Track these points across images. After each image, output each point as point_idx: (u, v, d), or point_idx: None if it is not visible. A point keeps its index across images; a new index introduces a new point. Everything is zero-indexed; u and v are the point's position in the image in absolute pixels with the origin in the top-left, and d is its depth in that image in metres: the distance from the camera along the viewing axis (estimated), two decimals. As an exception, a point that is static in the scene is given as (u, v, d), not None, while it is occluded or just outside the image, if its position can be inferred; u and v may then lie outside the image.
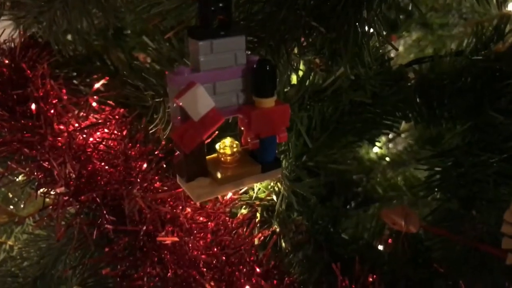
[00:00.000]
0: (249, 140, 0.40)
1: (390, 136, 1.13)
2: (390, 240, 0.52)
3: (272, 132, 0.40)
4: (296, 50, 0.53)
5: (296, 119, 0.59)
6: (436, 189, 0.52)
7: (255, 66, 0.38)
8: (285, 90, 0.62)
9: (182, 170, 0.39)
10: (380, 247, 0.63)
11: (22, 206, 0.86)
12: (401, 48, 1.30)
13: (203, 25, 0.36)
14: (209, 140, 0.46)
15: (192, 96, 0.35)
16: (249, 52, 0.52)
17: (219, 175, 0.39)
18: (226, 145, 0.40)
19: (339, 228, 0.63)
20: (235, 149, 0.40)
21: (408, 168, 1.18)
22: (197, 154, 0.38)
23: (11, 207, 0.87)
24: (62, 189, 0.49)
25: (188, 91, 0.35)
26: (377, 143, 1.15)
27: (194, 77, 0.36)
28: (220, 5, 0.36)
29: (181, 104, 0.35)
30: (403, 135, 1.20)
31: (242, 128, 0.41)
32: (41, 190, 0.53)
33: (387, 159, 1.20)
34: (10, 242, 0.87)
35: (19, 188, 0.70)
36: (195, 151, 0.37)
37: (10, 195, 0.86)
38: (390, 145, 1.23)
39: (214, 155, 0.41)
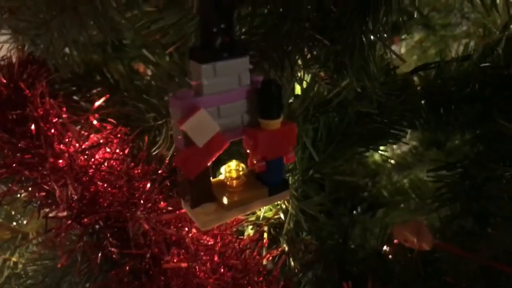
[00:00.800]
0: (255, 163, 0.38)
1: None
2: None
3: (279, 154, 0.39)
4: (300, 63, 0.52)
5: (301, 131, 0.58)
6: (447, 203, 0.50)
7: (259, 86, 0.37)
8: (290, 101, 0.61)
9: (186, 196, 0.38)
10: (389, 252, 0.62)
11: (25, 222, 0.85)
12: (403, 50, 1.28)
13: (205, 47, 0.35)
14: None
15: (196, 121, 0.34)
16: (251, 67, 0.51)
17: (225, 201, 0.37)
18: (232, 168, 0.39)
19: (350, 243, 0.61)
20: (241, 173, 0.39)
21: (414, 171, 1.17)
22: (202, 180, 0.37)
23: (14, 223, 0.86)
24: (64, 213, 0.48)
25: (192, 117, 0.33)
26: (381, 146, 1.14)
27: (197, 102, 0.35)
28: (222, 26, 0.34)
29: (184, 130, 0.34)
30: (407, 136, 1.19)
31: (248, 151, 0.39)
32: (43, 211, 0.52)
33: (392, 161, 1.18)
34: (14, 259, 0.86)
35: (21, 205, 0.69)
36: (200, 176, 0.36)
37: (13, 212, 0.85)
38: (395, 146, 1.21)
39: (219, 178, 0.40)
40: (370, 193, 1.16)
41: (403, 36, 1.28)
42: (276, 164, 0.39)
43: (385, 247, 0.63)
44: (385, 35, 0.48)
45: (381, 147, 1.17)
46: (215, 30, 0.34)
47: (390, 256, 0.58)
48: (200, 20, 0.35)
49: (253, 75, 0.38)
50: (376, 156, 1.18)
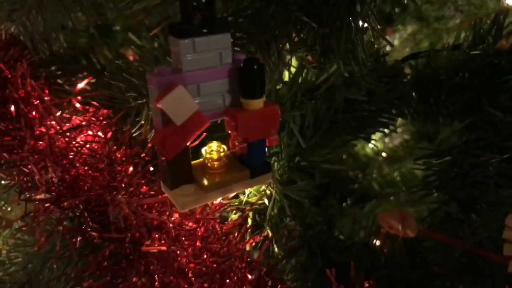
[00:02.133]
0: (236, 144, 0.38)
1: (386, 131, 1.11)
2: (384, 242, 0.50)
3: (261, 136, 0.38)
4: (287, 47, 0.51)
5: (288, 118, 0.57)
6: (434, 190, 0.50)
7: (241, 65, 0.36)
8: (277, 87, 0.60)
9: (165, 177, 0.37)
10: (378, 242, 0.62)
11: (9, 209, 0.84)
12: (396, 42, 1.28)
13: (184, 22, 0.34)
14: (195, 144, 0.44)
15: (174, 98, 0.33)
16: (237, 49, 0.50)
17: (205, 182, 0.37)
18: (213, 150, 0.38)
19: (335, 231, 0.61)
20: (222, 154, 0.38)
21: (404, 163, 1.17)
22: (181, 160, 0.36)
23: (-3, 210, 0.85)
24: (43, 196, 0.47)
25: (169, 94, 0.32)
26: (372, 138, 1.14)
27: (176, 78, 0.34)
28: (203, 0, 0.33)
29: (161, 107, 0.33)
30: (399, 130, 1.18)
31: (229, 131, 0.38)
32: (23, 195, 0.51)
33: (383, 154, 1.18)
34: (-2, 246, 0.85)
35: (3, 191, 0.68)
36: (179, 156, 0.35)
37: (-4, 199, 0.83)
38: (386, 139, 1.21)
39: (200, 160, 0.39)
40: (361, 185, 1.16)
41: (396, 28, 1.27)
42: (258, 146, 0.38)
43: (374, 240, 0.62)
44: (374, 19, 0.47)
45: (373, 139, 1.17)
46: (195, 5, 0.33)
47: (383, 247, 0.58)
48: (180, -6, 0.34)
49: (236, 53, 0.37)
50: (368, 149, 1.17)
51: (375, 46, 0.60)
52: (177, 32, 0.33)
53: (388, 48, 1.19)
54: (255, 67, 0.35)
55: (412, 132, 1.15)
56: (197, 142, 0.44)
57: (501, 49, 0.31)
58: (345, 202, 1.06)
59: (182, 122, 0.33)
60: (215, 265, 0.46)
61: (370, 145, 1.15)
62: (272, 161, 0.50)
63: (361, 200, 1.06)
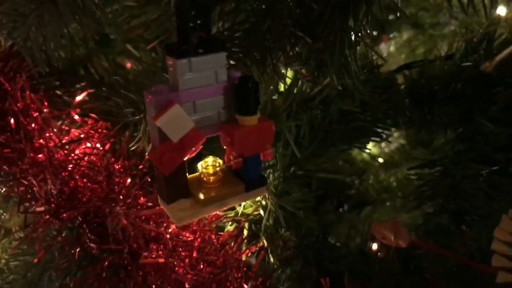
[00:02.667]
0: (232, 159, 0.38)
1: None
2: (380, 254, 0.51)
3: (256, 151, 0.39)
4: (282, 60, 0.52)
5: (284, 128, 0.58)
6: (426, 200, 0.51)
7: (236, 83, 0.37)
8: (273, 98, 0.61)
9: (162, 192, 0.38)
10: (375, 247, 0.62)
11: (7, 217, 0.84)
12: (392, 49, 1.29)
13: (181, 42, 0.35)
14: (191, 157, 0.44)
15: (170, 117, 0.33)
16: (233, 63, 0.51)
17: (201, 197, 0.37)
18: (209, 164, 0.39)
19: (331, 238, 0.62)
20: (217, 168, 0.39)
21: (401, 169, 1.17)
22: (178, 175, 0.37)
23: (-4, 218, 0.86)
24: (42, 208, 0.48)
25: (166, 112, 0.33)
26: (370, 143, 1.15)
27: (172, 97, 0.35)
28: (199, 21, 0.34)
29: (158, 125, 0.34)
30: (395, 135, 1.19)
31: (225, 147, 0.39)
32: (22, 206, 0.52)
33: (380, 160, 1.19)
34: (-3, 254, 0.85)
35: (3, 200, 0.69)
36: (176, 172, 0.36)
37: (-5, 207, 0.84)
38: (383, 144, 1.22)
39: (196, 174, 0.40)
40: (357, 190, 1.17)
41: (391, 35, 1.28)
42: (253, 160, 0.39)
43: (372, 245, 0.63)
44: (366, 33, 0.48)
45: (369, 145, 1.18)
46: (191, 26, 0.34)
47: (378, 254, 0.59)
48: (176, 15, 0.35)
49: (230, 71, 0.38)
50: (364, 154, 1.18)
51: (369, 58, 0.61)
52: (174, 52, 0.34)
53: (384, 56, 1.20)
54: (249, 84, 0.36)
55: (408, 137, 1.16)
56: (193, 155, 0.45)
57: (485, 70, 0.31)
58: (342, 208, 1.07)
59: (179, 139, 0.34)
60: (211, 276, 0.47)
61: (367, 150, 1.16)
62: (267, 173, 0.51)
63: (357, 205, 1.07)
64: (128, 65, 0.78)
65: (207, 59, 0.35)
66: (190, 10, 0.33)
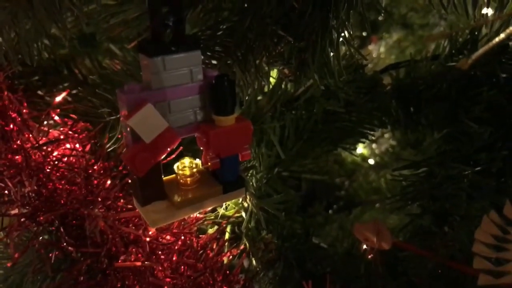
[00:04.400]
0: (209, 159, 0.38)
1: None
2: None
3: (234, 151, 0.38)
4: (264, 60, 0.51)
5: (268, 129, 0.57)
6: (410, 202, 0.50)
7: (212, 82, 0.36)
8: (257, 98, 0.60)
9: (137, 193, 0.37)
10: (364, 247, 0.62)
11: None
12: (382, 49, 1.29)
13: (155, 40, 0.34)
14: (169, 159, 0.44)
15: (142, 116, 0.33)
16: (214, 62, 0.51)
17: (177, 199, 0.37)
18: (185, 166, 0.38)
19: (317, 239, 0.61)
20: (194, 170, 0.38)
21: (390, 170, 1.17)
22: (152, 177, 0.36)
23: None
24: (16, 211, 0.46)
25: (138, 112, 0.32)
26: (360, 144, 1.14)
27: (145, 96, 0.34)
28: (172, 19, 0.33)
29: (130, 125, 0.33)
30: (386, 135, 1.19)
31: (201, 147, 0.39)
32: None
33: (370, 161, 1.19)
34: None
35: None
36: (150, 173, 0.35)
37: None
38: (373, 145, 1.22)
39: (173, 176, 0.39)
40: (347, 192, 1.16)
41: (381, 36, 1.28)
42: (230, 161, 0.38)
43: (362, 246, 0.63)
44: (349, 33, 0.48)
45: (359, 147, 1.17)
46: (165, 23, 0.33)
47: (367, 255, 0.58)
48: (149, 13, 0.34)
49: (207, 69, 0.37)
50: (354, 156, 1.18)
51: (354, 58, 0.60)
52: (147, 50, 0.34)
53: (374, 56, 1.20)
54: (226, 84, 0.36)
55: (398, 138, 1.16)
56: (171, 157, 0.44)
57: (461, 67, 0.31)
58: (331, 209, 1.07)
59: (152, 139, 0.33)
60: (192, 279, 0.46)
61: (358, 151, 1.16)
62: (249, 175, 0.50)
63: (347, 207, 1.07)
64: (115, 65, 0.77)
65: (181, 58, 0.34)
66: (163, 7, 0.33)
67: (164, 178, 0.38)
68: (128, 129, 0.34)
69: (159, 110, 0.34)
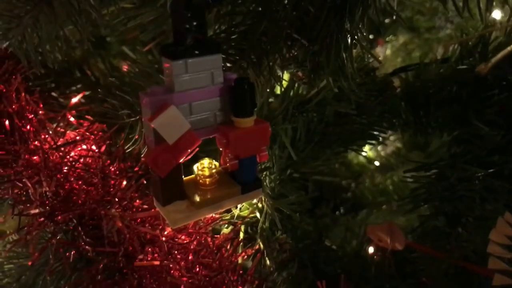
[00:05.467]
0: (228, 161, 0.38)
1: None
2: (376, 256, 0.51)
3: (252, 152, 0.38)
4: (278, 63, 0.52)
5: (280, 131, 0.58)
6: (422, 203, 0.51)
7: (232, 85, 0.37)
8: (269, 100, 0.61)
9: (157, 194, 0.38)
10: (371, 249, 0.62)
11: (1, 220, 0.84)
12: (388, 52, 1.29)
13: (177, 43, 0.35)
14: (187, 159, 0.44)
15: (166, 118, 0.33)
16: (229, 65, 0.51)
17: (197, 199, 0.37)
18: (205, 166, 0.39)
19: (326, 241, 0.62)
20: (213, 171, 0.39)
21: (397, 172, 1.18)
22: (174, 177, 0.37)
23: (-9, 221, 0.85)
24: (36, 210, 0.47)
25: (162, 114, 0.33)
26: (366, 146, 1.15)
27: (168, 98, 0.34)
28: (195, 23, 0.34)
29: (154, 126, 0.33)
30: (392, 138, 1.20)
31: (221, 148, 0.39)
32: (17, 209, 0.51)
33: (376, 163, 1.19)
34: (-10, 257, 0.85)
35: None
36: (171, 174, 0.36)
37: (-11, 210, 0.83)
38: (379, 147, 1.22)
39: (192, 176, 0.40)
40: (353, 193, 1.17)
41: (388, 38, 1.29)
42: (249, 162, 0.39)
43: (369, 248, 0.63)
44: (362, 36, 0.48)
45: (365, 148, 1.18)
46: (187, 28, 0.34)
47: (374, 257, 0.59)
48: (172, 17, 0.35)
49: (226, 73, 0.38)
50: (361, 157, 1.18)
51: (365, 60, 0.61)
52: (170, 53, 0.34)
53: (380, 59, 1.21)
54: (246, 86, 0.36)
55: (404, 140, 1.16)
56: (189, 157, 0.45)
57: (480, 72, 0.32)
58: (338, 211, 1.07)
59: (174, 141, 0.34)
60: (207, 278, 0.47)
61: (363, 153, 1.16)
62: (263, 175, 0.51)
63: (353, 208, 1.07)
64: (125, 67, 0.78)
65: (203, 61, 0.35)
66: (186, 12, 0.33)
67: (184, 179, 0.39)
68: (151, 130, 0.34)
69: (180, 112, 0.35)
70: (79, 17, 0.44)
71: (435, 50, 1.14)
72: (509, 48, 0.29)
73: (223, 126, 0.38)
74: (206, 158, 0.39)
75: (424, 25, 1.27)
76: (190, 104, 0.36)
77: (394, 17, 0.87)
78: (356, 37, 0.48)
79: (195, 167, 0.39)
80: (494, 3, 0.45)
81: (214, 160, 0.40)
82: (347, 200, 1.12)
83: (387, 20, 1.24)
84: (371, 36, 1.27)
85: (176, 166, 0.36)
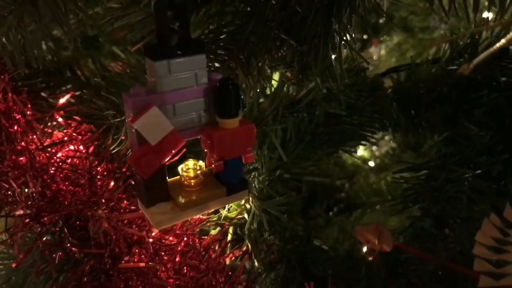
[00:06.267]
0: (213, 162, 0.38)
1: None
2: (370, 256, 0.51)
3: (237, 154, 0.38)
4: (267, 63, 0.51)
5: (270, 131, 0.58)
6: (411, 204, 0.51)
7: (217, 85, 0.36)
8: (260, 101, 0.60)
9: (141, 195, 0.37)
10: (364, 250, 0.62)
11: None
12: (382, 52, 1.30)
13: (160, 43, 0.34)
14: (173, 160, 0.44)
15: (148, 119, 0.33)
16: (218, 65, 0.51)
17: (181, 200, 0.37)
18: (189, 168, 0.38)
19: (318, 241, 0.61)
20: (198, 172, 0.38)
21: (391, 172, 1.17)
22: (157, 179, 0.36)
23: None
24: (21, 211, 0.47)
25: (144, 115, 0.33)
26: (361, 146, 1.15)
27: (151, 99, 0.34)
28: (178, 23, 0.34)
29: (136, 128, 0.33)
30: (386, 138, 1.20)
31: (206, 150, 0.39)
32: (3, 210, 0.51)
33: (370, 163, 1.19)
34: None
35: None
36: (155, 175, 0.36)
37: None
38: (374, 147, 1.22)
39: (177, 177, 0.39)
40: (347, 194, 1.16)
41: (382, 39, 1.29)
42: (234, 163, 0.38)
43: (362, 249, 0.63)
44: (351, 36, 0.48)
45: (359, 149, 1.18)
46: (170, 28, 0.34)
47: (367, 257, 0.59)
48: (155, 17, 0.34)
49: (211, 73, 0.38)
50: (355, 158, 1.18)
51: (355, 61, 0.61)
52: (153, 54, 0.34)
53: (375, 59, 1.21)
54: (230, 87, 0.36)
55: (398, 141, 1.16)
56: (175, 159, 0.45)
57: (462, 73, 0.31)
58: (332, 211, 1.07)
59: (157, 142, 0.34)
60: (195, 280, 0.46)
61: (358, 153, 1.16)
62: (251, 176, 0.51)
63: (347, 209, 1.07)
64: (118, 67, 0.78)
65: (187, 61, 0.35)
66: (168, 12, 0.33)
67: (168, 180, 0.38)
68: (134, 131, 0.34)
69: (164, 113, 0.34)
70: (64, 17, 0.44)
71: (428, 50, 1.14)
72: (491, 49, 0.29)
73: (207, 127, 0.38)
74: (190, 159, 0.39)
75: (418, 25, 1.27)
76: (174, 105, 0.36)
77: (384, 18, 0.87)
78: (344, 37, 0.48)
79: (179, 168, 0.39)
80: (482, 4, 0.45)
81: (199, 161, 0.39)
82: (341, 200, 1.12)
83: (381, 20, 1.24)
84: (365, 36, 1.27)
85: (160, 167, 0.36)
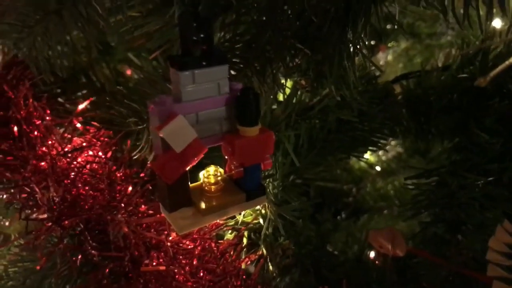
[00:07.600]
0: (233, 168, 0.39)
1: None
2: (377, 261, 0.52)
3: (257, 160, 0.39)
4: (282, 71, 0.53)
5: (283, 137, 0.59)
6: (422, 210, 0.52)
7: (238, 94, 0.38)
8: (272, 107, 0.62)
9: (164, 201, 0.38)
10: (372, 255, 0.63)
11: (7, 224, 0.85)
12: (390, 58, 1.30)
13: (184, 54, 0.35)
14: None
15: (174, 127, 0.34)
16: (233, 73, 0.52)
17: (203, 206, 0.38)
18: (210, 174, 0.40)
19: (328, 246, 0.62)
20: (219, 178, 0.39)
21: (398, 177, 1.18)
22: (180, 185, 0.37)
23: (-4, 224, 0.86)
24: (45, 215, 0.48)
25: (170, 123, 0.34)
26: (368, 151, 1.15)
27: (176, 108, 0.35)
28: (202, 35, 0.35)
29: (162, 135, 0.34)
30: (393, 143, 1.20)
31: (226, 156, 0.40)
32: (24, 213, 0.52)
33: (377, 168, 1.20)
34: (-5, 260, 0.85)
35: (3, 207, 0.69)
36: (178, 181, 0.37)
37: (-5, 213, 0.84)
38: (380, 153, 1.23)
39: (198, 183, 0.41)
40: (355, 198, 1.17)
41: (389, 44, 1.30)
42: (253, 170, 0.40)
43: (370, 253, 0.64)
44: (364, 45, 0.49)
45: (366, 154, 1.18)
46: (194, 39, 0.35)
47: (376, 262, 0.59)
48: (180, 29, 0.35)
49: (232, 83, 0.39)
50: (362, 163, 1.19)
51: (367, 68, 0.62)
52: (178, 64, 0.35)
53: (382, 64, 1.21)
54: (251, 96, 0.37)
55: (405, 146, 1.17)
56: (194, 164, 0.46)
57: (480, 85, 0.32)
58: (339, 216, 1.08)
59: (182, 149, 0.35)
60: (211, 283, 0.47)
61: (364, 159, 1.17)
62: (267, 182, 0.52)
63: (355, 213, 1.08)
64: (129, 71, 0.79)
65: (210, 72, 0.36)
66: (193, 24, 0.34)
67: (190, 185, 0.40)
68: (159, 139, 0.35)
69: (187, 121, 0.36)
70: (87, 26, 0.45)
71: (437, 57, 1.14)
72: (507, 62, 0.30)
73: (228, 134, 0.39)
74: (212, 165, 0.40)
75: (426, 31, 1.28)
76: (197, 114, 0.37)
77: (396, 26, 0.88)
78: (358, 46, 0.49)
79: (201, 174, 0.40)
80: (495, 11, 0.46)
81: (219, 168, 0.40)
82: (349, 205, 1.13)
83: (388, 26, 1.25)
84: (372, 42, 1.28)
85: (183, 173, 0.37)
